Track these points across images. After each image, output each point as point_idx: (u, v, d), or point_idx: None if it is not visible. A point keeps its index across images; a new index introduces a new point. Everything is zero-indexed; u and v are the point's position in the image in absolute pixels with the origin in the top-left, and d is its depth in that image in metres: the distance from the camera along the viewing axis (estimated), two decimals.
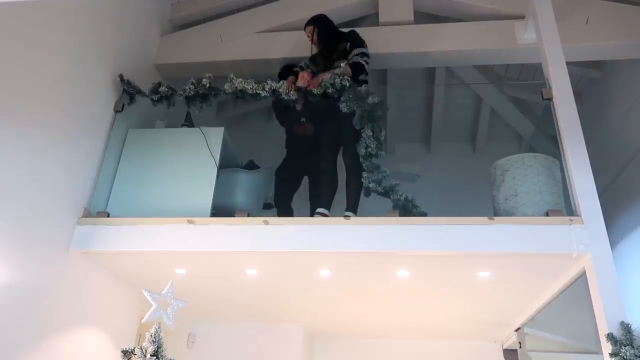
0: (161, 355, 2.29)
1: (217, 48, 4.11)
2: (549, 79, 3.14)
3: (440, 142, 5.56)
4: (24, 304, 2.60)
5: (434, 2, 4.10)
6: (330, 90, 3.15)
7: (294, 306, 4.01)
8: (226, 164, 3.43)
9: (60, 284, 2.89)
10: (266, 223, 2.91)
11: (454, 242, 2.73)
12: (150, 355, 2.26)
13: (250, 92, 3.32)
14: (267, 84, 3.32)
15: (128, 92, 3.51)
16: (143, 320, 2.40)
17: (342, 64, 3.29)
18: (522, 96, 5.02)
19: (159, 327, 2.35)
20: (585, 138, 2.87)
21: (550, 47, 3.22)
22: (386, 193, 2.92)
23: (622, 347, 2.20)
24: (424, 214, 2.85)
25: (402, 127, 5.27)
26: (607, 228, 2.61)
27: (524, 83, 4.92)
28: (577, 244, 2.59)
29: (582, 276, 2.67)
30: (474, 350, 4.60)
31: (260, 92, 3.31)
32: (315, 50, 3.71)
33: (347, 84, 3.14)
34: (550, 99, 3.10)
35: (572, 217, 2.68)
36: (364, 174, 2.96)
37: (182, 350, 4.28)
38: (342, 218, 2.90)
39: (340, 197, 3.34)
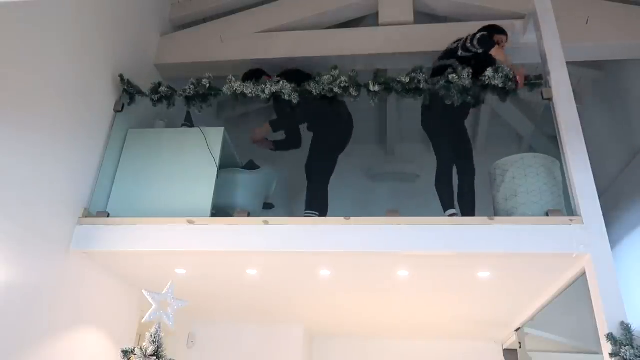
0: (161, 355, 2.29)
1: (217, 48, 4.10)
2: (549, 79, 3.15)
3: None
4: (24, 304, 2.60)
5: (434, 2, 4.10)
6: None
7: (294, 306, 4.01)
8: (226, 164, 3.43)
9: (61, 283, 2.89)
10: (266, 223, 2.91)
11: (454, 242, 2.73)
12: (150, 355, 2.26)
13: (249, 95, 3.32)
14: (267, 86, 3.31)
15: (128, 92, 3.51)
16: (143, 320, 2.40)
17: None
18: (522, 96, 5.01)
19: (159, 327, 2.36)
20: (585, 138, 2.87)
21: (550, 47, 3.23)
22: None
23: (622, 347, 2.21)
24: None
25: (402, 127, 5.27)
26: (607, 228, 2.61)
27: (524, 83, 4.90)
28: (577, 244, 2.59)
29: (582, 276, 2.67)
30: (474, 350, 4.60)
31: (260, 94, 3.31)
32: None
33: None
34: (550, 99, 3.10)
35: (572, 217, 2.68)
36: None
37: (182, 350, 4.28)
38: (342, 218, 2.90)
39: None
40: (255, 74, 3.66)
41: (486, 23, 3.77)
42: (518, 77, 3.12)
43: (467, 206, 3.28)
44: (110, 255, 3.09)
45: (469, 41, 3.28)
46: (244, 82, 3.39)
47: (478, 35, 3.26)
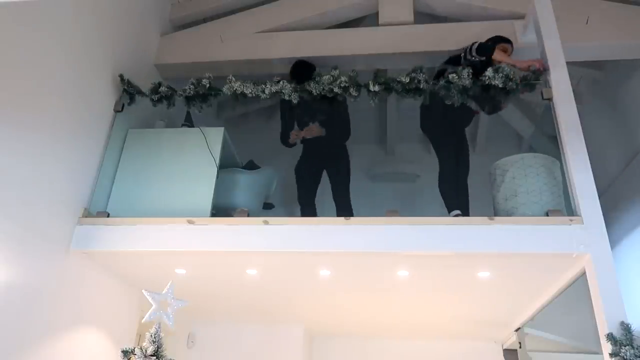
0: (161, 355, 2.30)
1: (217, 48, 4.11)
2: (549, 79, 3.15)
3: None
4: (24, 304, 2.60)
5: (434, 2, 4.10)
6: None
7: (294, 306, 4.01)
8: (226, 164, 3.43)
9: (61, 284, 2.89)
10: (266, 223, 2.91)
11: (454, 242, 2.73)
12: (150, 355, 2.26)
13: (249, 95, 3.32)
14: (267, 86, 3.31)
15: (128, 92, 3.51)
16: (143, 320, 2.40)
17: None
18: (522, 96, 5.01)
19: (159, 327, 2.36)
20: (585, 138, 2.87)
21: (550, 47, 3.22)
22: None
23: (622, 347, 2.21)
24: None
25: (402, 127, 5.26)
26: (606, 228, 2.61)
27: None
28: (577, 244, 2.59)
29: (582, 276, 2.67)
30: (474, 350, 4.60)
31: (260, 94, 3.31)
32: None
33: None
34: (550, 99, 3.10)
35: (572, 217, 2.68)
36: None
37: (182, 350, 4.28)
38: (342, 218, 2.90)
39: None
40: (305, 67, 3.68)
41: (486, 23, 3.77)
42: (538, 64, 3.17)
43: (462, 205, 3.29)
44: (110, 255, 3.09)
45: (468, 53, 3.32)
46: (293, 76, 3.44)
47: (475, 45, 3.30)
